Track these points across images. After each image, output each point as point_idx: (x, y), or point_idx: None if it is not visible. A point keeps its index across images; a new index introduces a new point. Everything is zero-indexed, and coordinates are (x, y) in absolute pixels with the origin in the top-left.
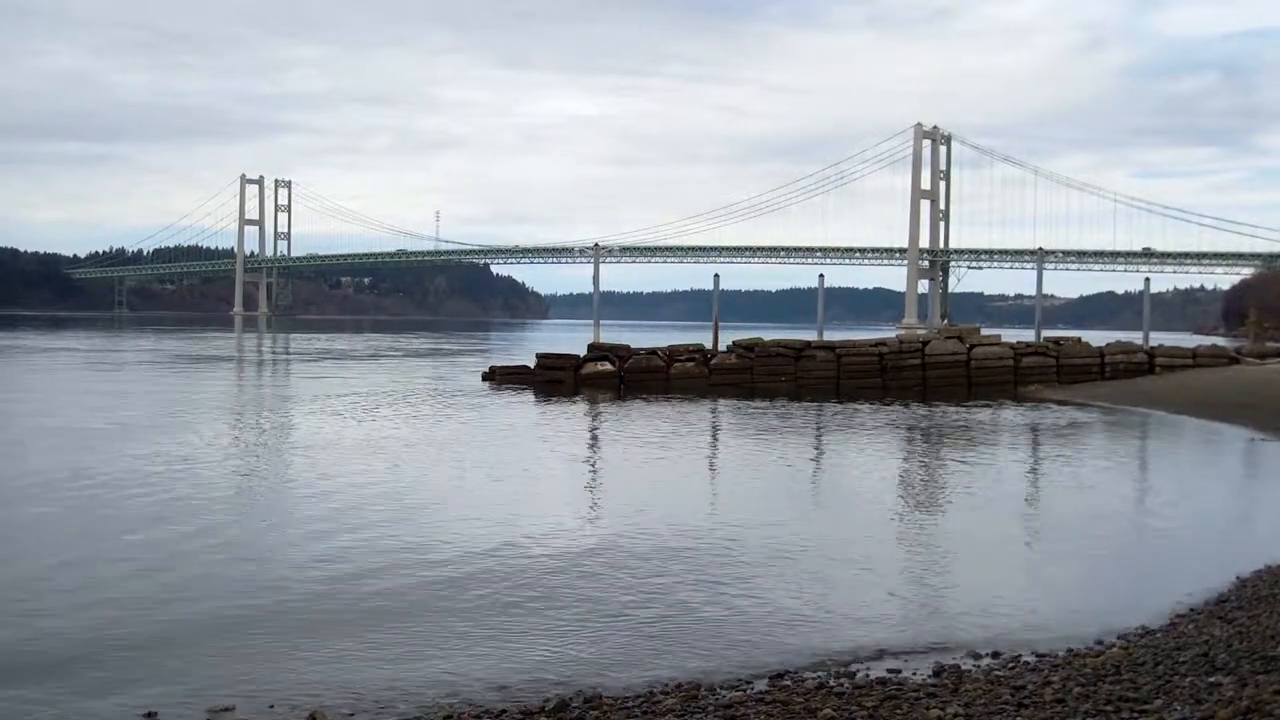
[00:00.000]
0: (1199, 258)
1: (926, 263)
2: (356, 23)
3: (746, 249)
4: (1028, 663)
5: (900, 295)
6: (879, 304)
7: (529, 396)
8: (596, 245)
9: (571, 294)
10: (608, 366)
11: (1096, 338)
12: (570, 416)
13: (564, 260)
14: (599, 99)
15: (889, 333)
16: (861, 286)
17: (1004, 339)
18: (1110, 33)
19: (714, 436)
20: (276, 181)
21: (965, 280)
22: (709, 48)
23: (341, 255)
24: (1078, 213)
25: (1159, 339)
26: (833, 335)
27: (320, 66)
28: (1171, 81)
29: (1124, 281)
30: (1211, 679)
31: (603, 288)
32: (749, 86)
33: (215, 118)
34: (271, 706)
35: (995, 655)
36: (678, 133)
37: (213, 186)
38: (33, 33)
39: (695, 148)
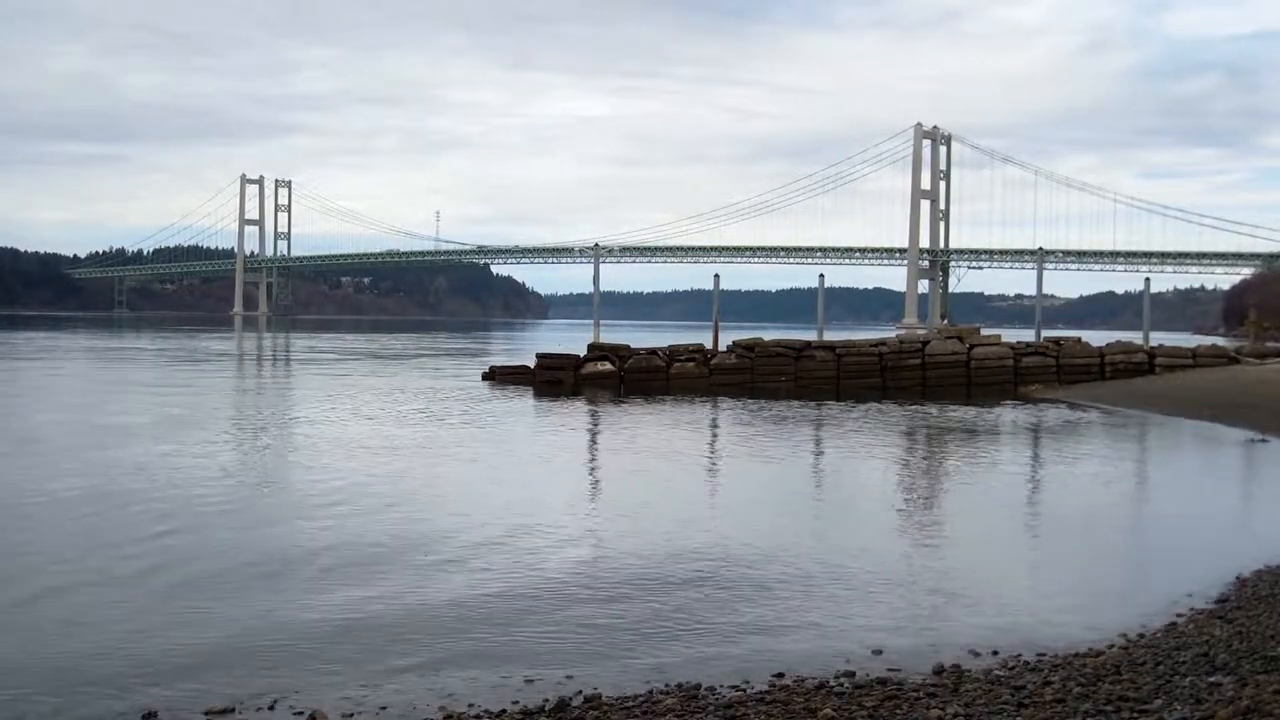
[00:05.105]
0: (1199, 258)
1: (926, 263)
2: (364, 24)
3: (747, 249)
4: (1028, 662)
5: (900, 295)
6: (879, 304)
7: (529, 396)
8: (596, 245)
9: (572, 294)
10: (608, 366)
11: (1096, 338)
12: (570, 416)
13: (564, 260)
14: (606, 100)
15: (889, 333)
16: (861, 286)
17: (1004, 339)
18: (1116, 34)
19: (714, 437)
20: (277, 181)
21: (965, 280)
22: (716, 49)
23: (341, 255)
24: (1078, 213)
25: (1159, 339)
26: (833, 335)
27: (328, 68)
28: (1176, 83)
29: (1124, 281)
30: (1211, 679)
31: (603, 288)
32: (756, 88)
33: (222, 119)
34: (272, 707)
35: (995, 655)
36: (684, 134)
37: (218, 187)
38: (41, 34)
39: (701, 148)
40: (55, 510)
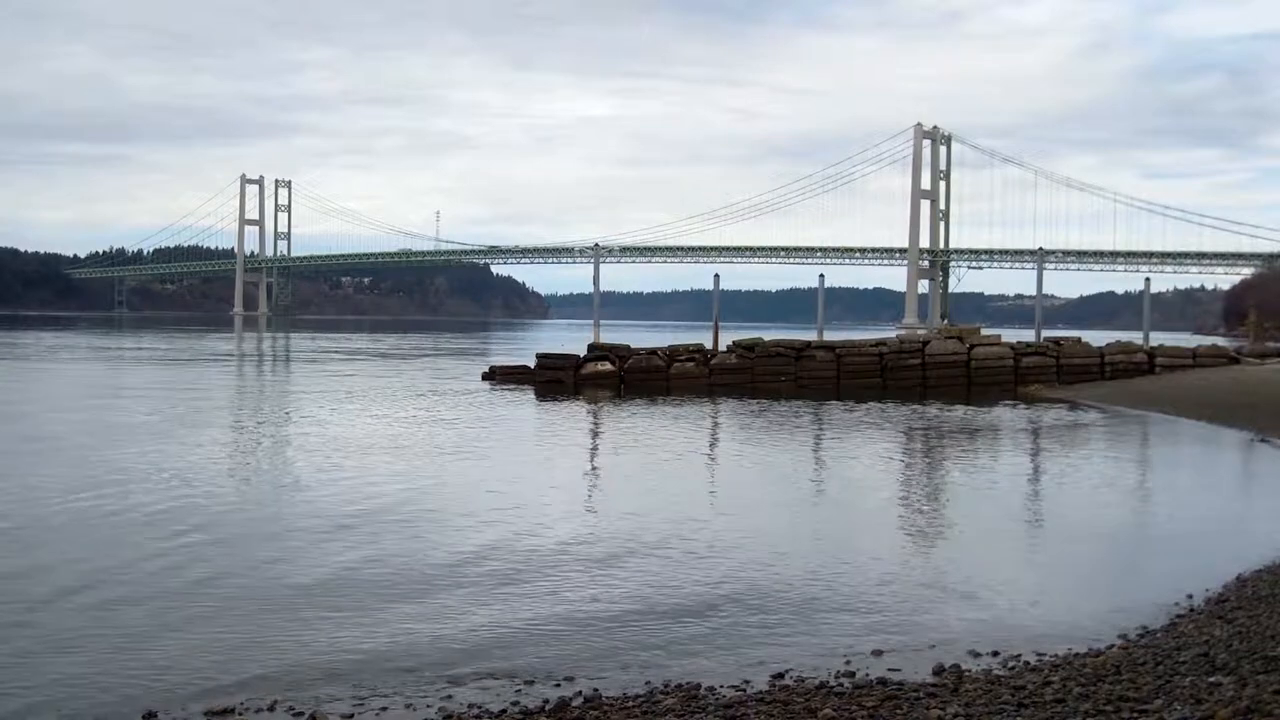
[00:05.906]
0: (1199, 258)
1: (926, 263)
2: (366, 25)
3: (747, 249)
4: (1028, 663)
5: (900, 295)
6: (879, 304)
7: (529, 396)
8: (596, 245)
9: (572, 294)
10: (608, 366)
11: (1096, 338)
12: (570, 416)
13: (564, 260)
14: (608, 100)
15: (889, 333)
16: (862, 286)
17: (1004, 339)
18: (1118, 35)
19: (714, 437)
20: (277, 181)
21: (965, 280)
22: (717, 50)
23: (341, 255)
24: (1078, 213)
25: (1159, 339)
26: (833, 335)
27: (331, 68)
28: (1178, 83)
29: (1124, 281)
30: (1211, 679)
31: (603, 288)
32: (756, 88)
33: (224, 119)
34: (272, 707)
35: (995, 655)
36: (685, 134)
37: (218, 188)
38: (42, 34)
39: (702, 149)
40: (70, 512)
